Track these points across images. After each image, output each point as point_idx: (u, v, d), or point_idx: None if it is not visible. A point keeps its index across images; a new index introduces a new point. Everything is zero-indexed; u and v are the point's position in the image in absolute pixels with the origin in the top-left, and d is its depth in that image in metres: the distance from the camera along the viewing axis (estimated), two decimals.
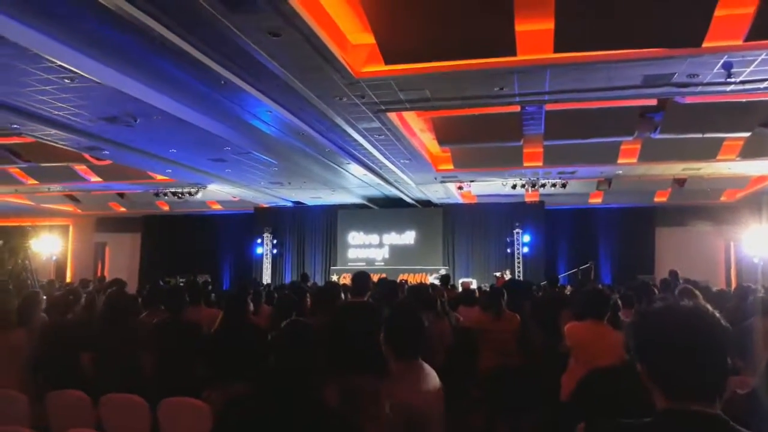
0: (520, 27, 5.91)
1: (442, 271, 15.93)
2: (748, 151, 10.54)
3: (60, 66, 6.30)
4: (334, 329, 3.95)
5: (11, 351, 4.23)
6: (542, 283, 11.97)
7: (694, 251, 16.14)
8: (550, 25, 5.75)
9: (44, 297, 5.24)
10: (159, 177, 13.95)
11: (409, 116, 9.79)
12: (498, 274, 15.66)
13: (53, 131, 8.92)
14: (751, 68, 6.67)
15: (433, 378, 2.73)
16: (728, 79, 6.89)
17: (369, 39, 6.33)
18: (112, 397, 3.71)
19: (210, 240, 19.45)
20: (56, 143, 9.81)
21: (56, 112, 8.15)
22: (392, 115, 8.76)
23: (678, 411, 1.43)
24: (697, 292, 5.32)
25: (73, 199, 17.09)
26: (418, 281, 14.38)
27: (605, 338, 4.06)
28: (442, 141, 10.52)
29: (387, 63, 6.47)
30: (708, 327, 1.44)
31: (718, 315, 1.46)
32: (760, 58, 6.37)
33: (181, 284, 10.45)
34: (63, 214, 19.76)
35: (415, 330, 2.74)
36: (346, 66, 6.59)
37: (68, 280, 17.87)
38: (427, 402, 2.60)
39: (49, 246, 18.60)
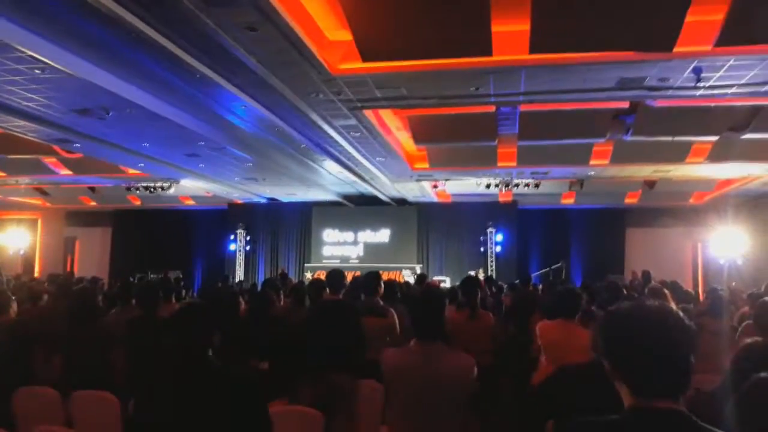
0: (496, 27, 5.95)
1: (417, 270, 15.99)
2: (716, 155, 10.77)
3: (30, 56, 6.15)
4: (310, 327, 3.94)
5: None
6: (515, 282, 12.09)
7: (662, 252, 16.47)
8: (525, 26, 5.81)
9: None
10: (131, 171, 13.72)
11: (386, 114, 9.79)
12: (472, 272, 15.75)
13: (22, 122, 8.72)
14: (720, 73, 6.82)
15: (455, 358, 2.95)
16: (698, 84, 7.04)
17: (347, 36, 6.32)
18: (82, 394, 3.66)
19: (182, 236, 19.18)
20: (25, 135, 9.60)
21: (26, 103, 7.97)
22: (369, 113, 8.75)
23: (643, 408, 1.47)
24: (666, 292, 5.43)
25: (42, 192, 16.72)
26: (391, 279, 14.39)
27: (576, 337, 4.12)
28: (418, 139, 10.55)
29: (364, 60, 6.47)
30: (672, 326, 1.49)
31: (682, 314, 1.51)
32: (728, 64, 6.53)
33: (153, 279, 10.32)
34: (31, 208, 19.30)
35: (436, 312, 2.99)
36: (322, 62, 6.56)
37: (36, 275, 17.52)
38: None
39: (17, 240, 18.21)
